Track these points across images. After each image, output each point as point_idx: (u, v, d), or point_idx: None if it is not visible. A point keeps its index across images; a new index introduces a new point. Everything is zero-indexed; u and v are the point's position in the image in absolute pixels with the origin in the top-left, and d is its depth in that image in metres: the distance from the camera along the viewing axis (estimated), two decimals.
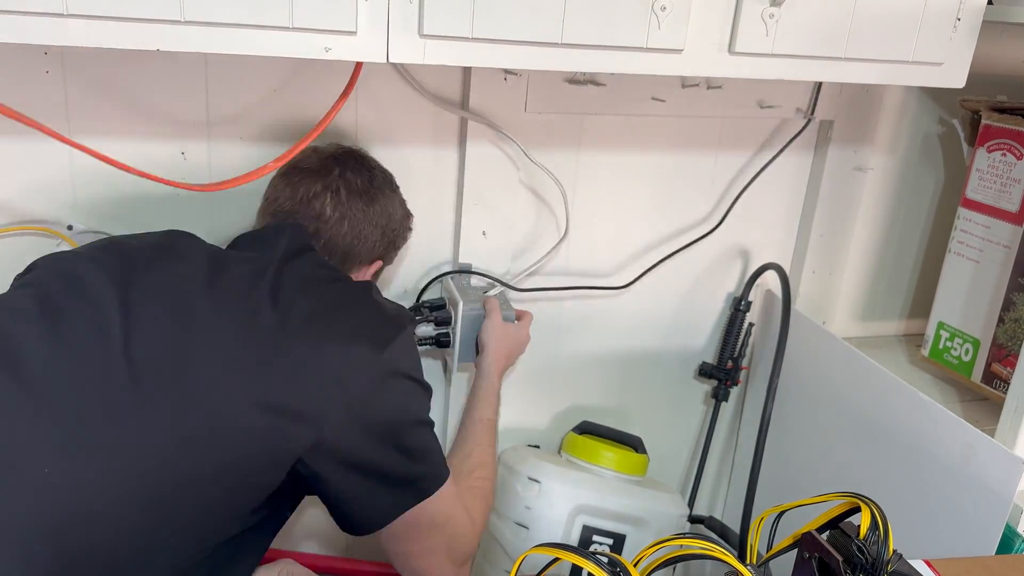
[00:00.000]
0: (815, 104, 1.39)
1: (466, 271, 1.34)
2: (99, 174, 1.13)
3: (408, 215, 1.16)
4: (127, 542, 0.79)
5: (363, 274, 1.11)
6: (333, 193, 1.05)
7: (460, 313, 1.26)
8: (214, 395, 0.83)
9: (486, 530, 1.45)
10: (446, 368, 1.41)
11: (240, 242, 1.02)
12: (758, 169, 1.46)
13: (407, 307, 1.31)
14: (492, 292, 1.32)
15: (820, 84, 1.38)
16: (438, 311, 1.31)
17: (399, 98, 1.24)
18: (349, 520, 0.96)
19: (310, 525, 1.46)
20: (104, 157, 0.88)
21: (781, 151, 1.42)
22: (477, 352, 1.28)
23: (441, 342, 1.31)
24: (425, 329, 1.32)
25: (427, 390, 0.99)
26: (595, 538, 1.37)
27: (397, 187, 1.14)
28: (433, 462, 0.98)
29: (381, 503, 0.94)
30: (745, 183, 1.46)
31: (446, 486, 0.98)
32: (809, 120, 1.40)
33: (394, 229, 1.12)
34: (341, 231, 1.05)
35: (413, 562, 1.01)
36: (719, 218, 1.47)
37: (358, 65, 1.03)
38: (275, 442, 0.85)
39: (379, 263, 1.12)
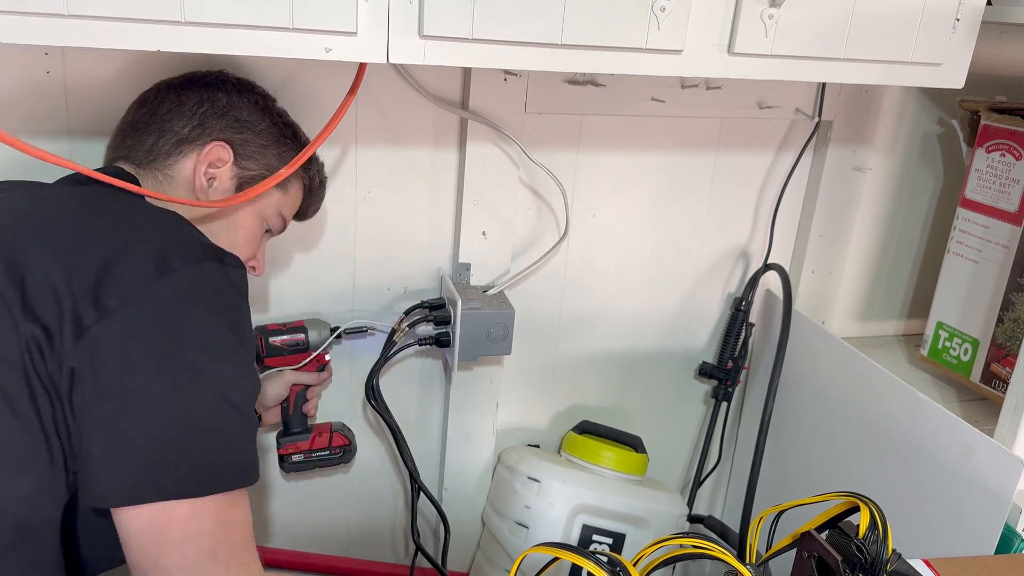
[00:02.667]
0: (821, 106, 1.39)
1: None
2: None
3: (248, 88, 1.03)
4: None
5: (194, 162, 0.95)
6: (139, 98, 1.00)
7: (459, 312, 1.26)
8: None
9: (486, 529, 1.46)
10: (446, 367, 1.42)
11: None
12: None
13: (407, 307, 1.32)
14: (491, 291, 1.32)
15: (824, 85, 1.38)
16: (437, 310, 1.31)
17: (399, 98, 1.24)
18: (88, 476, 0.76)
19: (310, 525, 1.46)
20: (103, 176, 0.87)
21: (800, 156, 1.43)
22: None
23: (441, 342, 1.31)
24: (425, 329, 1.32)
25: (236, 352, 0.79)
26: (595, 537, 1.37)
27: (234, 79, 1.02)
28: (214, 452, 0.76)
29: (127, 468, 0.74)
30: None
31: (223, 499, 0.76)
32: (819, 122, 1.40)
33: (223, 104, 0.98)
34: (146, 120, 0.96)
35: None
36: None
37: (362, 65, 1.03)
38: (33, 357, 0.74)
39: (216, 144, 0.95)
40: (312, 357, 1.26)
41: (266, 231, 1.06)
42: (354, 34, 0.89)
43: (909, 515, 1.18)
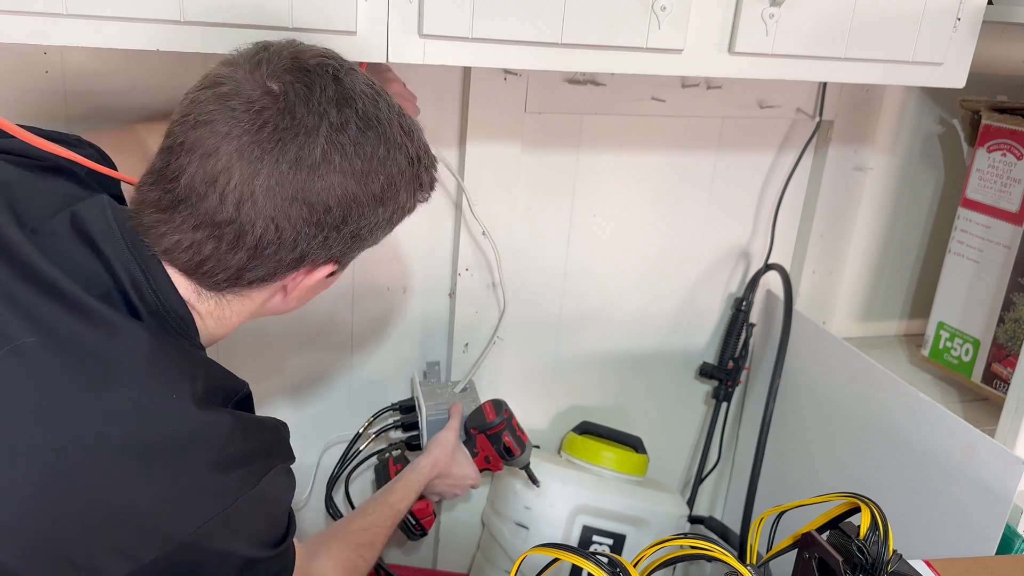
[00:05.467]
0: (822, 105, 1.39)
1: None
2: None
3: (419, 160, 0.73)
4: None
5: (285, 280, 0.70)
6: (240, 152, 0.62)
7: (425, 419, 1.25)
8: None
9: (486, 530, 1.45)
10: None
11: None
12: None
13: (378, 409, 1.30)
14: (459, 387, 1.31)
15: (825, 85, 1.38)
16: (407, 414, 1.30)
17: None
18: None
19: (313, 525, 1.46)
20: (105, 170, 0.88)
21: (800, 156, 1.43)
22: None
23: (411, 446, 1.30)
24: (396, 434, 1.32)
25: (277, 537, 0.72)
26: (595, 538, 1.37)
27: (410, 125, 0.72)
28: None
29: None
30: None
31: None
32: (820, 122, 1.40)
33: (350, 209, 0.67)
34: (253, 226, 0.64)
35: None
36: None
37: (362, 64, 1.03)
38: None
39: (327, 266, 0.70)
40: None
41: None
42: (354, 33, 0.89)
43: (910, 516, 1.18)
